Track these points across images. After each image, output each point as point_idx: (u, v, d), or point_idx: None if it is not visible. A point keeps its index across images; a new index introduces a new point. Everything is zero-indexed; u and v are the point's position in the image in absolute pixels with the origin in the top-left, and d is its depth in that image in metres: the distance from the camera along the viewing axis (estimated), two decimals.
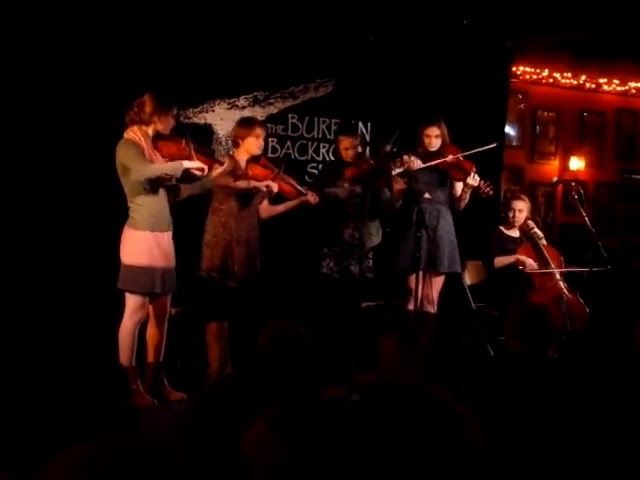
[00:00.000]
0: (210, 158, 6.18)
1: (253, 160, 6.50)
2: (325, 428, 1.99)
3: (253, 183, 6.43)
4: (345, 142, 7.03)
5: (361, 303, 7.28)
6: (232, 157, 6.52)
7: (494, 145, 7.08)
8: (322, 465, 1.92)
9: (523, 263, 7.38)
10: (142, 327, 6.05)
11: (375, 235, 7.06)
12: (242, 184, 6.42)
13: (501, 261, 7.49)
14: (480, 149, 6.91)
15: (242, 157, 6.51)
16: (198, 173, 5.90)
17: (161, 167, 5.84)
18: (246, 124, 6.60)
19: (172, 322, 6.34)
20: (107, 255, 6.04)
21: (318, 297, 6.92)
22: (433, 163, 6.87)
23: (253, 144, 6.51)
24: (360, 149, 7.08)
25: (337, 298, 6.88)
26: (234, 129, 6.67)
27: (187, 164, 5.82)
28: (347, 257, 6.91)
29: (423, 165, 6.81)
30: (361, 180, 6.95)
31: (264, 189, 6.47)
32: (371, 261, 7.04)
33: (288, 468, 1.87)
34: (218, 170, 6.08)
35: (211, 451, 2.02)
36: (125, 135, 5.83)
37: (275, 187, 6.48)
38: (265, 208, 6.74)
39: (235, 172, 6.39)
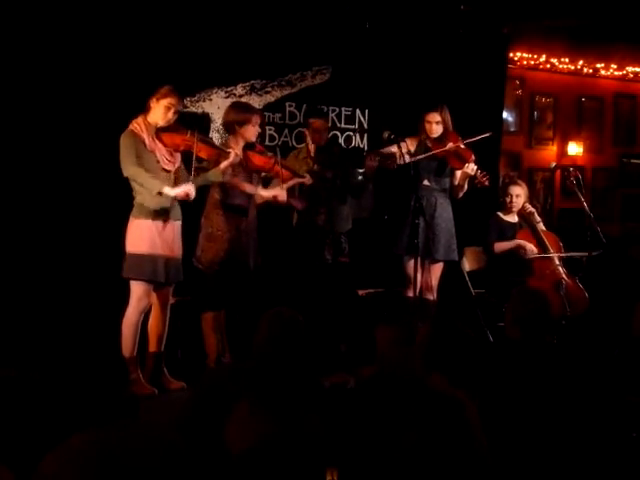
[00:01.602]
0: (217, 150, 6.20)
1: (249, 147, 6.48)
2: (307, 410, 1.98)
3: (271, 192, 6.45)
4: (318, 124, 7.03)
5: (343, 288, 7.27)
6: (241, 151, 6.46)
7: (490, 134, 7.04)
8: (305, 446, 1.91)
9: (524, 248, 7.37)
10: (144, 317, 6.08)
11: (345, 220, 7.08)
12: (264, 194, 6.49)
13: (502, 246, 7.47)
14: (479, 137, 6.88)
15: (238, 144, 6.44)
16: (180, 198, 5.96)
17: (142, 177, 5.88)
18: (244, 110, 6.52)
19: (171, 312, 6.35)
20: (112, 245, 6.06)
21: (302, 284, 6.91)
22: (423, 156, 6.84)
23: (251, 131, 6.47)
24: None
25: (317, 284, 6.88)
26: (230, 114, 6.52)
27: (167, 191, 5.88)
28: (321, 242, 6.93)
29: (409, 160, 6.74)
30: (332, 164, 6.97)
31: (280, 200, 6.48)
32: (346, 245, 7.05)
33: (268, 449, 1.87)
34: (225, 162, 6.10)
35: (208, 440, 2.02)
36: (130, 126, 5.93)
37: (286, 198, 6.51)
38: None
39: (239, 165, 6.38)
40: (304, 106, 8.01)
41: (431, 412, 1.89)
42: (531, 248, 7.38)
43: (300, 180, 6.64)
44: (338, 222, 6.99)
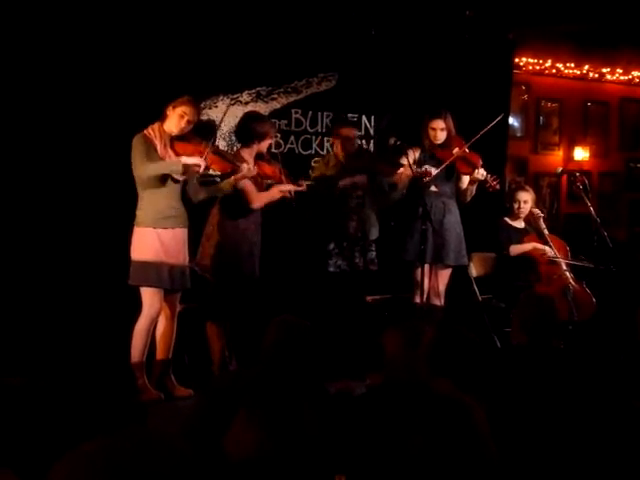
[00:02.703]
0: (230, 164, 6.18)
1: (258, 157, 6.49)
2: (305, 417, 1.98)
3: (281, 190, 6.45)
4: (348, 132, 7.01)
5: (367, 296, 7.27)
6: (256, 163, 6.42)
7: (497, 119, 6.95)
8: (301, 454, 1.92)
9: (543, 251, 7.37)
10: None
11: (375, 227, 7.06)
12: (275, 194, 6.47)
13: (518, 249, 7.44)
14: (482, 132, 6.82)
15: (251, 155, 6.43)
16: (195, 169, 5.94)
17: (159, 166, 5.89)
18: (265, 125, 6.52)
19: (179, 318, 6.35)
20: (121, 252, 6.07)
21: (324, 293, 6.90)
22: (441, 169, 6.82)
23: (267, 144, 6.55)
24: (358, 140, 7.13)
25: (343, 292, 6.87)
26: (250, 127, 6.44)
27: (184, 159, 5.88)
28: (353, 250, 6.90)
29: (435, 173, 6.78)
30: (363, 171, 6.94)
31: (287, 195, 6.49)
32: (374, 253, 7.02)
33: (264, 457, 1.87)
34: (239, 174, 6.11)
35: (215, 447, 2.02)
36: (144, 131, 5.94)
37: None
38: None
39: (257, 177, 6.36)
40: (314, 113, 8.04)
41: (438, 416, 1.89)
42: (549, 250, 7.38)
43: (298, 188, 6.64)
44: (369, 229, 6.97)
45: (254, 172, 6.26)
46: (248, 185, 6.31)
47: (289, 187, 6.48)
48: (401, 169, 6.81)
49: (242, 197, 6.33)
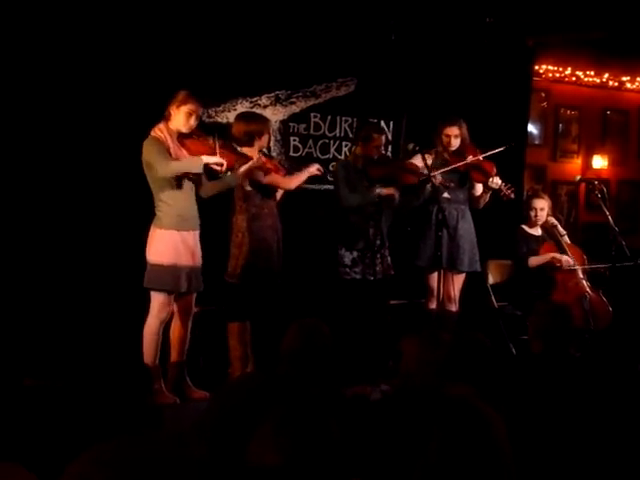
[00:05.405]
0: (237, 155, 6.18)
1: (263, 154, 6.53)
2: (331, 429, 1.98)
3: (310, 172, 6.55)
4: (379, 140, 6.94)
5: (388, 301, 7.24)
6: (260, 153, 6.45)
7: (511, 145, 6.95)
8: (327, 466, 1.91)
9: (560, 261, 7.35)
10: (166, 326, 6.08)
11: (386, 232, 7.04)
12: (303, 176, 6.56)
13: (537, 260, 7.43)
14: (498, 149, 6.83)
15: (255, 153, 6.39)
16: (217, 168, 5.93)
17: (181, 164, 5.88)
18: (260, 120, 6.54)
19: (194, 321, 6.34)
20: (133, 254, 6.07)
21: (344, 298, 6.85)
22: (449, 168, 6.82)
23: (267, 138, 6.57)
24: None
25: (364, 298, 6.83)
26: (247, 126, 6.42)
27: (206, 159, 5.88)
28: (374, 258, 6.85)
29: (443, 170, 6.78)
30: (386, 179, 6.90)
31: (318, 173, 6.63)
32: (389, 258, 6.99)
33: (291, 470, 1.86)
34: (245, 167, 6.09)
35: (232, 450, 2.02)
36: (152, 133, 5.89)
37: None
38: None
39: (263, 168, 6.35)
40: (333, 117, 8.03)
41: (454, 423, 1.88)
42: (567, 260, 7.36)
43: (320, 168, 6.70)
44: (386, 234, 6.93)
45: (260, 162, 6.23)
46: (272, 175, 6.37)
47: (315, 167, 6.58)
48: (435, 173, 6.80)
49: (269, 188, 6.40)
